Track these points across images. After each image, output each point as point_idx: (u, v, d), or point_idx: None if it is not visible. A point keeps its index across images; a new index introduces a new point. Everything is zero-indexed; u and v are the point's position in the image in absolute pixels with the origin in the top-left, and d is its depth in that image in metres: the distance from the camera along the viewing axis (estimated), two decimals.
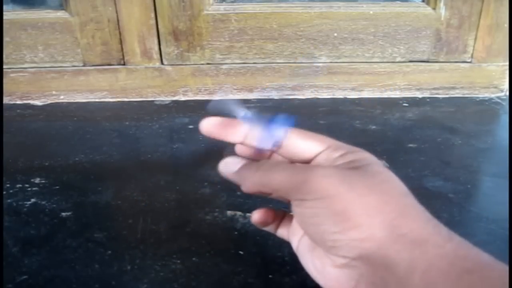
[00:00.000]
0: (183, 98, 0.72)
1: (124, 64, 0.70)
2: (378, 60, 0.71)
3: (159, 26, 0.68)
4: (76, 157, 0.52)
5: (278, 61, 0.70)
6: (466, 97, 0.73)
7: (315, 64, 0.70)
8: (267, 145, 0.28)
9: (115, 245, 0.37)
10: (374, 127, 0.61)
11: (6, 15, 0.66)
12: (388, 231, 0.23)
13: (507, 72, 0.71)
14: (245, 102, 0.29)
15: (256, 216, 0.31)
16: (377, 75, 0.71)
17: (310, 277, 0.27)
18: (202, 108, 0.56)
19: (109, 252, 0.36)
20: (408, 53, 0.71)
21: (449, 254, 0.21)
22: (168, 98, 0.71)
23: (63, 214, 0.41)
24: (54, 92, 0.70)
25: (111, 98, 0.71)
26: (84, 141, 0.57)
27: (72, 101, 0.71)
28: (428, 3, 0.69)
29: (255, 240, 0.37)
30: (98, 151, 0.54)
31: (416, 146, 0.55)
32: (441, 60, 0.71)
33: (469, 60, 0.71)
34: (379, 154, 0.27)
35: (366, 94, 0.72)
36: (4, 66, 0.69)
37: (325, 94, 0.72)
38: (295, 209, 0.26)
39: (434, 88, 0.73)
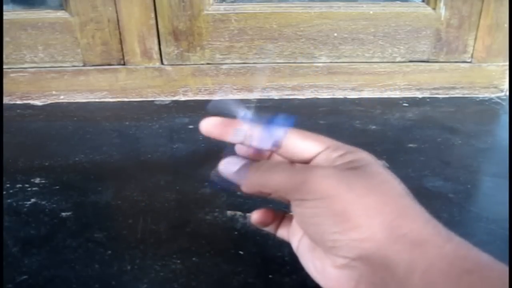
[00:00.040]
0: (183, 98, 0.72)
1: (124, 64, 0.70)
2: (378, 60, 0.71)
3: (159, 26, 0.68)
4: (76, 157, 0.52)
5: (278, 61, 0.70)
6: (466, 97, 0.73)
7: (315, 64, 0.70)
8: (266, 145, 0.28)
9: (115, 245, 0.37)
10: (374, 127, 0.61)
11: (6, 15, 0.66)
12: (388, 231, 0.23)
13: (507, 72, 0.71)
14: (245, 102, 0.29)
15: (256, 216, 0.31)
16: (377, 75, 0.71)
17: (310, 277, 0.27)
18: (202, 108, 0.56)
19: (109, 252, 0.36)
20: (408, 53, 0.71)
21: (448, 255, 0.21)
22: (168, 98, 0.71)
23: (63, 214, 0.41)
24: (54, 92, 0.70)
25: (111, 98, 0.71)
26: (84, 141, 0.57)
27: (72, 101, 0.71)
28: (428, 3, 0.69)
29: (255, 240, 0.37)
30: (98, 151, 0.54)
31: (416, 146, 0.55)
32: (441, 60, 0.71)
33: (469, 60, 0.71)
34: (379, 154, 0.28)
35: (366, 94, 0.72)
36: (4, 66, 0.69)
37: (325, 94, 0.72)
38: (295, 209, 0.26)
39: (434, 88, 0.73)
